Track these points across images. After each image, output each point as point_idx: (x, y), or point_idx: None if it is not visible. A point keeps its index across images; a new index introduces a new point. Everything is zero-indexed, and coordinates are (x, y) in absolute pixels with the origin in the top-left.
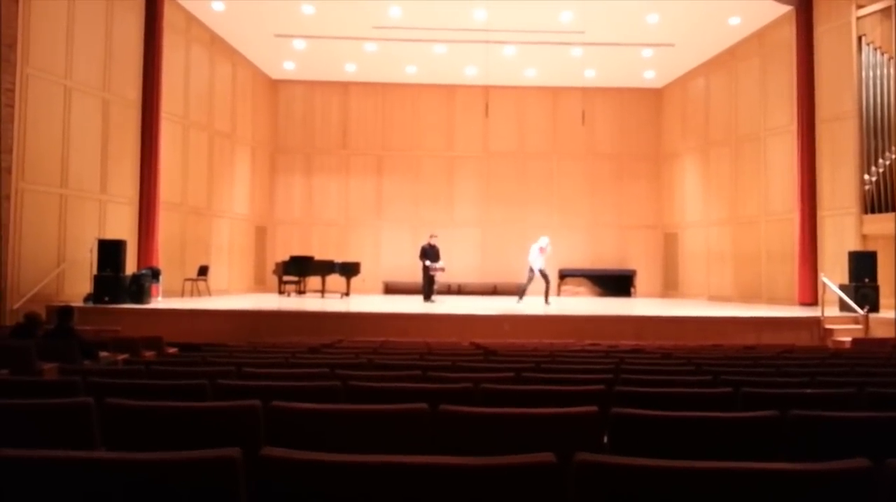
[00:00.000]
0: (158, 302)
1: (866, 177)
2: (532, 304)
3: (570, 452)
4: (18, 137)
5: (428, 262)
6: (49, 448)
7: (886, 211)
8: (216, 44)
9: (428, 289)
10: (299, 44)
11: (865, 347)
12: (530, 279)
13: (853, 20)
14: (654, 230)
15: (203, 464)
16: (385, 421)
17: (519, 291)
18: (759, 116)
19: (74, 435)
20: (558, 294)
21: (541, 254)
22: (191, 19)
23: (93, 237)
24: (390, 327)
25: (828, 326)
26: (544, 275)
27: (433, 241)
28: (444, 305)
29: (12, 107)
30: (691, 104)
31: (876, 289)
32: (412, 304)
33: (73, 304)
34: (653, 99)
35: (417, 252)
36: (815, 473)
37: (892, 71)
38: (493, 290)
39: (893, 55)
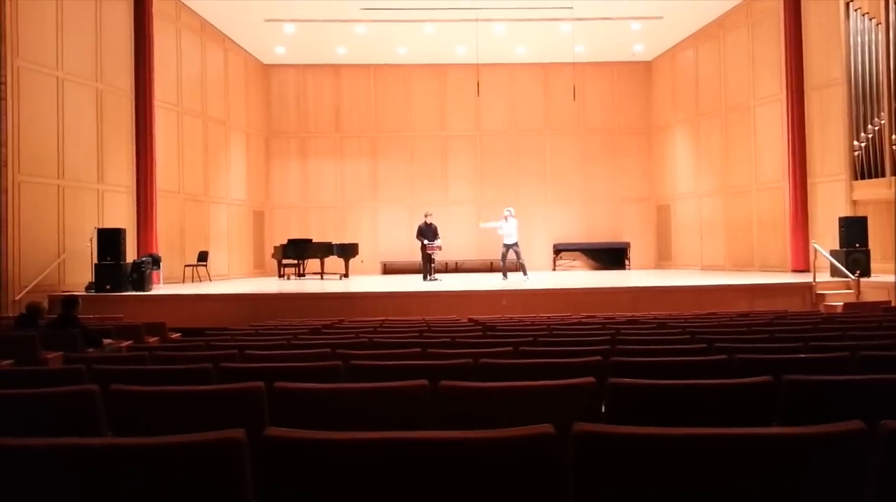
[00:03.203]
0: (160, 288)
1: (856, 143)
2: (524, 279)
3: (569, 423)
4: (13, 130)
5: (426, 241)
6: (55, 436)
7: (876, 176)
8: (206, 30)
9: (426, 267)
10: (289, 28)
11: (857, 311)
12: (503, 255)
13: None
14: (646, 202)
15: (209, 446)
16: (386, 398)
17: (503, 270)
18: (749, 86)
19: (80, 423)
20: (554, 268)
21: (506, 224)
22: (180, 6)
23: (92, 226)
24: (390, 306)
25: (820, 292)
26: (510, 248)
27: (429, 220)
28: (442, 283)
29: (5, 100)
30: (681, 76)
31: (867, 254)
32: (411, 283)
33: (76, 293)
34: (643, 72)
35: (414, 232)
36: (811, 436)
37: (880, 36)
38: (490, 267)
39: (881, 20)
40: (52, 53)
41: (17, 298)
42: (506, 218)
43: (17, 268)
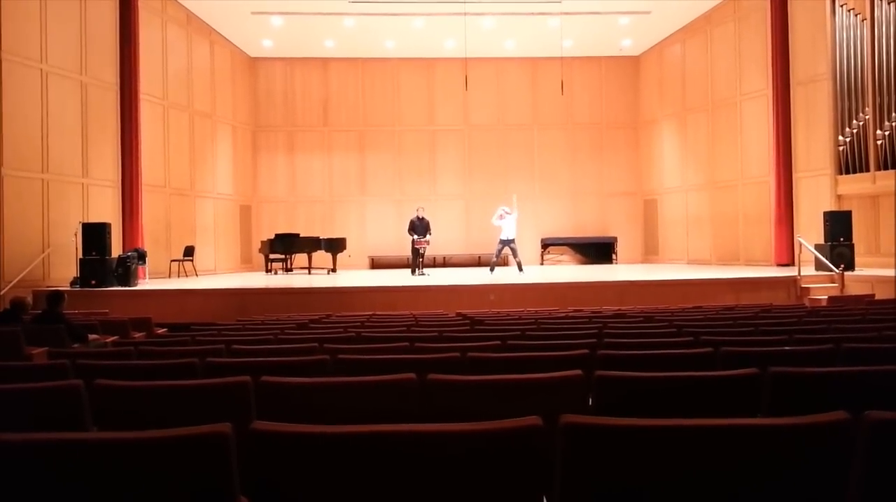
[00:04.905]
0: (145, 283)
1: (840, 138)
2: (519, 274)
3: (557, 415)
4: None
5: (416, 236)
6: (40, 431)
7: (860, 171)
8: (192, 23)
9: (415, 262)
10: (277, 21)
11: (841, 304)
12: (498, 251)
13: None
14: (633, 197)
15: (195, 440)
16: (374, 391)
17: (493, 264)
18: (735, 81)
19: (65, 418)
20: (541, 263)
21: (501, 220)
22: None
23: (77, 221)
24: (378, 301)
25: (804, 285)
26: (507, 244)
27: (420, 214)
28: (430, 278)
29: None
30: (668, 71)
31: (851, 248)
32: (398, 278)
33: (60, 288)
34: (630, 67)
35: (405, 226)
36: (796, 427)
37: (865, 32)
38: (478, 262)
39: (867, 17)
40: (36, 46)
41: (0, 293)
42: (501, 216)
43: (1, 263)
